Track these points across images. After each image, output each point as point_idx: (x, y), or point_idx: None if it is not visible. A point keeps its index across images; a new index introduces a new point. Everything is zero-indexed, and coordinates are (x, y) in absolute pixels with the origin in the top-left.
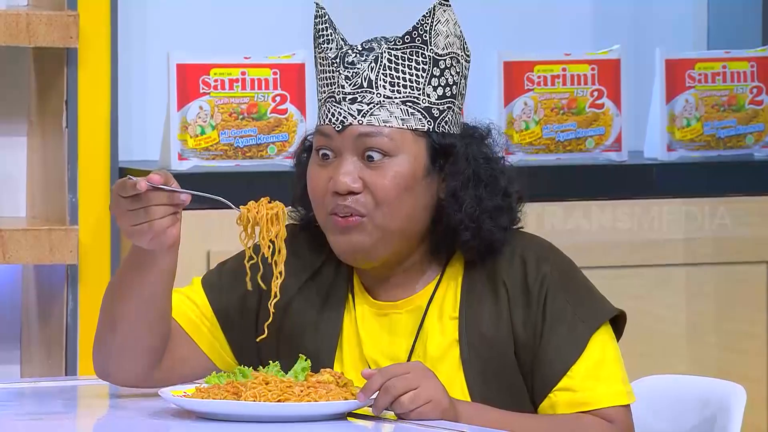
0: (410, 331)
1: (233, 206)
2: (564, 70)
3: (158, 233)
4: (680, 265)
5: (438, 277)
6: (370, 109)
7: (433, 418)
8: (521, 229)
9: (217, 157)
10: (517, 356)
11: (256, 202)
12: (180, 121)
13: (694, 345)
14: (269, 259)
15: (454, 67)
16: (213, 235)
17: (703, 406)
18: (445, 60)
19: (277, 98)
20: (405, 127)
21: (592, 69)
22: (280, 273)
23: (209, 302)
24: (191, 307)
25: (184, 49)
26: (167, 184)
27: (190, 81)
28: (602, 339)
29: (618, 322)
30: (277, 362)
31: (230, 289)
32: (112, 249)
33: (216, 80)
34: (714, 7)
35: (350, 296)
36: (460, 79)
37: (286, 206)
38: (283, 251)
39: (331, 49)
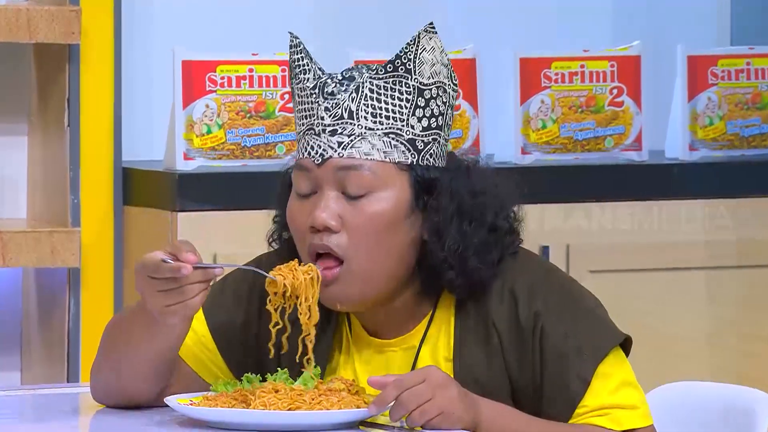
0: (405, 369)
1: (265, 273)
2: (582, 66)
3: (191, 311)
4: (701, 268)
5: (429, 314)
6: (351, 141)
7: (447, 428)
8: (515, 252)
9: (223, 157)
10: (517, 400)
11: (285, 266)
12: (185, 120)
13: (716, 351)
14: (303, 325)
15: (441, 97)
16: (219, 237)
17: (726, 415)
18: (430, 90)
19: (286, 96)
20: (387, 160)
21: (612, 66)
22: (310, 337)
23: (209, 328)
24: (191, 336)
25: (190, 45)
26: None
27: (196, 78)
28: (611, 364)
29: (624, 342)
30: (285, 369)
31: (232, 310)
32: (116, 252)
33: (223, 77)
34: (737, 1)
35: (348, 332)
36: (447, 110)
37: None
38: (316, 315)
39: (308, 79)
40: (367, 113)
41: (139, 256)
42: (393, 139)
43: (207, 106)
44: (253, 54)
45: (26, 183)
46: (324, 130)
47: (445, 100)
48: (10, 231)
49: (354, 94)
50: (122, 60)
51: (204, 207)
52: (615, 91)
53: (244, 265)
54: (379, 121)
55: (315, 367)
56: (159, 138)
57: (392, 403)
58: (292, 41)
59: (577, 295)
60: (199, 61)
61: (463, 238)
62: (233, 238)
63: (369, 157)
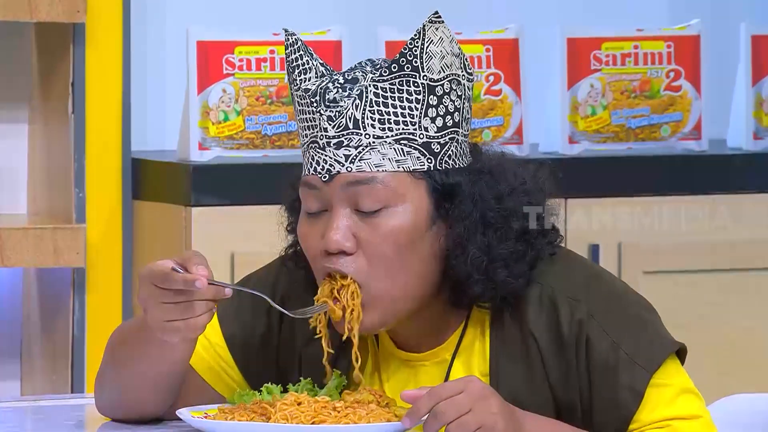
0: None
1: (290, 314)
2: (636, 47)
3: (194, 331)
4: (766, 269)
5: (462, 325)
6: (359, 152)
7: None
8: (555, 253)
9: (242, 147)
10: (561, 418)
11: (323, 293)
12: (201, 106)
13: None
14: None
15: (454, 90)
16: (237, 235)
17: None
18: (442, 85)
19: None
20: (401, 169)
21: (668, 46)
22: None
23: (224, 338)
24: (204, 345)
25: (206, 24)
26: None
27: (212, 60)
28: (666, 375)
29: (677, 352)
30: (309, 379)
31: (250, 319)
32: (124, 251)
33: (241, 60)
34: None
35: (374, 343)
36: (463, 103)
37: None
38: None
39: (309, 79)
40: (374, 120)
41: (149, 255)
42: (405, 145)
43: (224, 91)
44: (275, 34)
45: (26, 175)
46: (329, 143)
47: (459, 93)
48: (9, 228)
49: (358, 101)
50: (131, 41)
51: (221, 202)
52: (672, 75)
53: (255, 275)
54: (388, 128)
55: (340, 376)
56: (172, 126)
57: (427, 416)
58: (288, 39)
59: (626, 300)
60: (215, 41)
61: (488, 249)
62: (253, 235)
63: (380, 169)
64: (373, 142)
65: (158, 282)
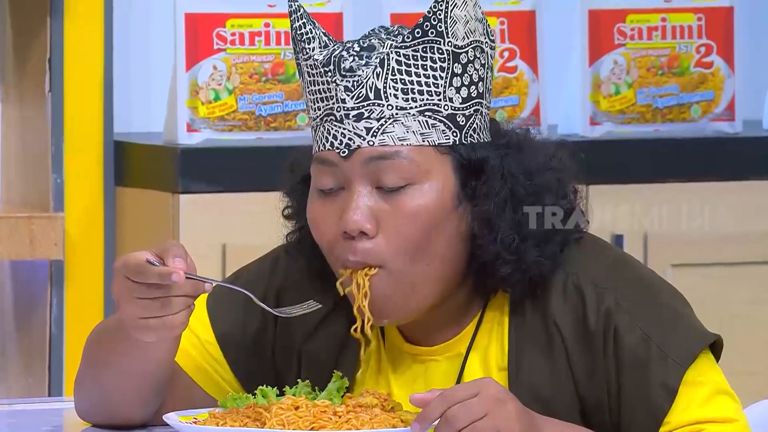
0: (449, 382)
1: (274, 312)
2: (663, 20)
3: (170, 329)
4: None
5: (478, 315)
6: (382, 125)
7: None
8: (580, 239)
9: (234, 129)
10: (589, 419)
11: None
12: (189, 85)
13: None
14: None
15: (478, 59)
16: (229, 224)
17: None
18: (466, 52)
19: None
20: (426, 143)
21: (699, 19)
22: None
23: (215, 335)
24: (193, 343)
25: None
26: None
27: (201, 35)
28: (700, 371)
29: (713, 344)
30: (307, 381)
31: (242, 315)
32: (106, 241)
33: (233, 34)
34: None
35: (380, 337)
36: (486, 72)
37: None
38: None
39: (313, 48)
40: (397, 90)
41: (133, 246)
42: (430, 117)
43: (215, 67)
44: (270, 6)
45: (0, 159)
46: (347, 115)
47: (483, 61)
48: None
49: (379, 69)
50: (114, 13)
51: (211, 188)
52: (703, 50)
53: (247, 268)
54: (412, 98)
55: (341, 378)
56: (158, 106)
57: (438, 421)
58: (292, 5)
59: (656, 288)
60: (205, 14)
61: (518, 227)
62: (246, 225)
63: (405, 143)
64: (397, 114)
65: (132, 275)
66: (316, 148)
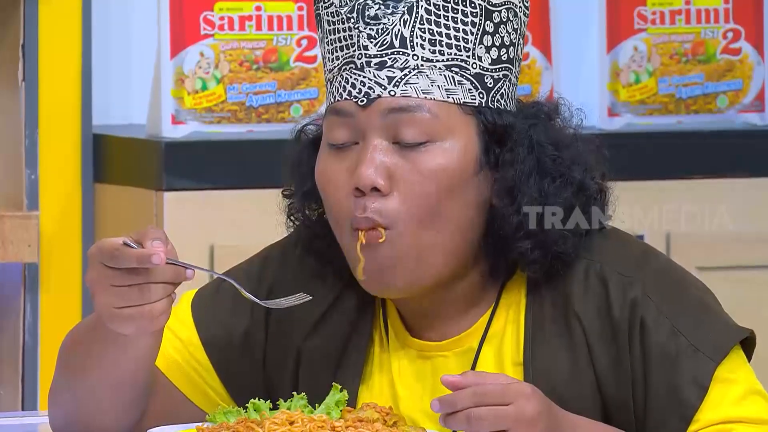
0: None
1: (261, 303)
2: (687, 3)
3: (149, 320)
4: None
5: (492, 306)
6: (405, 75)
7: None
8: (604, 227)
9: (223, 120)
10: (610, 416)
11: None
12: (174, 73)
13: None
14: None
15: (511, 21)
16: (217, 223)
17: None
18: (499, 12)
19: (304, 42)
20: (451, 100)
21: (726, 2)
22: None
23: (200, 338)
24: (176, 347)
25: None
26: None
27: (187, 19)
28: (732, 368)
29: (745, 342)
30: (303, 395)
31: (229, 319)
32: (84, 242)
33: (222, 18)
34: None
35: (382, 331)
36: (518, 39)
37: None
38: None
39: None
40: (424, 40)
41: None
42: (456, 73)
43: (202, 54)
44: None
45: None
46: (369, 63)
47: (516, 26)
48: None
49: (407, 16)
50: None
51: (198, 185)
52: (730, 35)
53: (236, 269)
54: (440, 51)
55: (341, 390)
56: (140, 96)
57: (459, 412)
58: None
59: (685, 281)
60: None
61: (544, 198)
62: (235, 224)
63: (428, 96)
64: (422, 65)
65: (108, 260)
66: (332, 99)
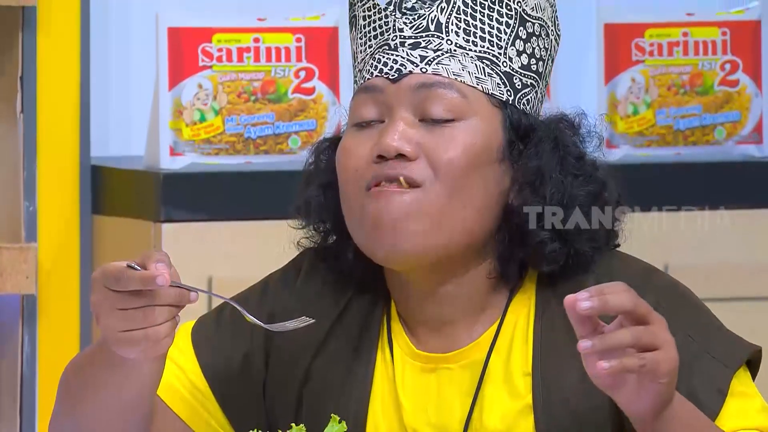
0: (466, 393)
1: (264, 326)
2: (685, 35)
3: (154, 343)
4: None
5: (500, 318)
6: (438, 56)
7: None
8: (611, 248)
9: (221, 152)
10: (624, 425)
11: None
12: (172, 105)
13: None
14: None
15: (543, 39)
16: (215, 255)
17: None
18: (533, 24)
19: (302, 73)
20: (480, 88)
21: (723, 33)
22: None
23: (200, 366)
24: (177, 375)
25: (179, 8)
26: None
27: (186, 50)
28: (746, 382)
29: (750, 362)
30: (302, 426)
31: (229, 346)
32: (82, 274)
33: (220, 49)
34: None
35: (386, 343)
36: (548, 58)
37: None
38: None
39: None
40: (459, 29)
41: None
42: (487, 65)
43: (200, 86)
44: (260, 19)
45: None
46: (403, 43)
47: (546, 45)
48: None
49: (444, 5)
50: (91, 26)
51: (196, 216)
52: (728, 67)
53: (236, 297)
54: (473, 41)
55: (339, 422)
56: (138, 127)
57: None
58: None
59: (693, 296)
60: (189, 28)
61: (565, 190)
62: (233, 256)
63: (458, 78)
64: (455, 50)
65: (112, 284)
66: (360, 82)
